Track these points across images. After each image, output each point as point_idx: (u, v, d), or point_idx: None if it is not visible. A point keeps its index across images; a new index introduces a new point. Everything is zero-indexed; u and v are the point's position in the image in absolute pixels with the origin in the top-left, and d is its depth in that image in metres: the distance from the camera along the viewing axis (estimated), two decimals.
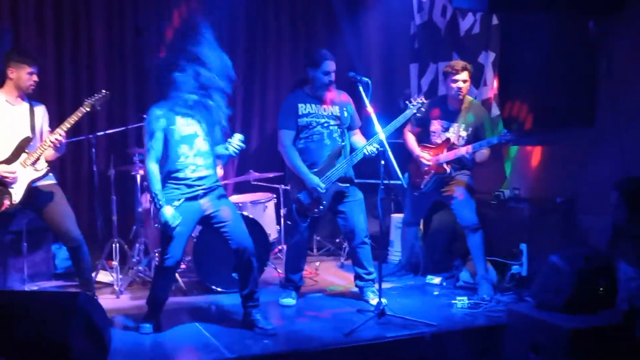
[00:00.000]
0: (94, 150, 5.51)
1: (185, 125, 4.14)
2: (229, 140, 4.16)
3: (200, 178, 4.17)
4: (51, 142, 4.33)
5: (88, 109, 4.49)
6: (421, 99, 4.80)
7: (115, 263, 5.28)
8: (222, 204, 4.26)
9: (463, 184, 5.12)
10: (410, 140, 5.33)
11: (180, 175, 4.14)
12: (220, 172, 6.00)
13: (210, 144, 4.22)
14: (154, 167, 4.11)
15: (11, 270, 5.26)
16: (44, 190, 4.46)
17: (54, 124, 5.28)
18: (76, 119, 4.43)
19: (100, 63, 6.46)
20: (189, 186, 4.15)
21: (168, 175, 4.16)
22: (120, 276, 5.24)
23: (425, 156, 5.18)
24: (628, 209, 4.06)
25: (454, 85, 5.02)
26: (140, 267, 5.46)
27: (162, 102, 4.17)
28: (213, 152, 4.25)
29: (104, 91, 4.60)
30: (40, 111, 4.58)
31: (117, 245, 5.38)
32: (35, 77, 4.44)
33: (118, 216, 5.51)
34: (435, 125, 5.21)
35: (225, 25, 6.91)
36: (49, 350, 3.15)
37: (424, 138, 5.28)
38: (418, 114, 4.81)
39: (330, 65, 4.74)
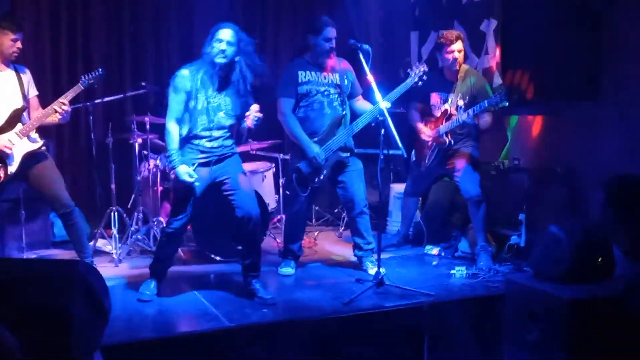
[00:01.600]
0: (91, 118, 5.46)
1: (211, 97, 4.14)
2: (247, 113, 4.15)
3: (214, 148, 4.20)
4: (60, 109, 4.30)
5: (84, 87, 4.45)
6: (423, 68, 4.74)
7: (114, 231, 5.27)
8: (234, 171, 4.27)
9: (466, 155, 5.10)
10: (413, 116, 5.31)
11: (196, 141, 4.17)
12: None
13: (232, 119, 4.23)
14: (172, 127, 4.13)
15: (9, 238, 5.26)
16: (33, 155, 4.41)
17: (50, 90, 5.25)
18: (74, 94, 4.41)
19: (96, 29, 6.39)
20: (203, 152, 4.18)
21: (185, 140, 4.18)
22: (119, 244, 5.23)
23: (425, 130, 5.16)
24: (614, 211, 4.01)
25: (448, 56, 5.00)
26: (138, 236, 5.45)
27: (193, 63, 4.16)
28: (232, 126, 4.28)
29: (99, 70, 4.53)
30: (27, 76, 4.51)
31: (116, 213, 5.37)
32: (19, 44, 4.35)
33: (116, 185, 5.48)
34: (435, 98, 5.18)
35: None
36: (49, 318, 3.12)
37: (427, 113, 5.26)
38: (420, 83, 4.75)
39: (331, 32, 4.67)
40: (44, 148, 4.50)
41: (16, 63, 4.50)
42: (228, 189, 4.25)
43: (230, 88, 4.18)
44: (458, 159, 5.11)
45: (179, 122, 4.16)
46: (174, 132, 4.13)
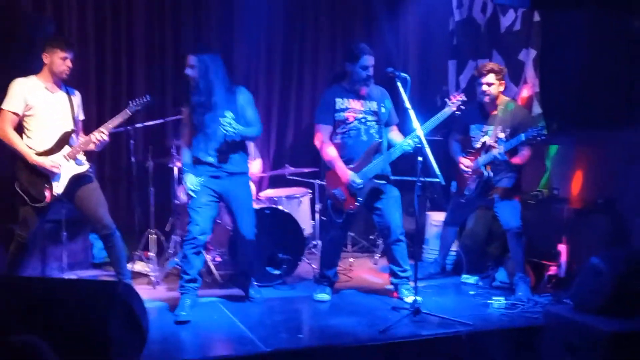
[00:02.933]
0: (132, 142, 5.58)
1: (206, 114, 4.49)
2: (220, 119, 4.42)
3: (222, 162, 4.54)
4: (97, 139, 4.44)
5: (131, 113, 4.58)
6: (460, 97, 4.75)
7: (152, 254, 5.34)
8: (239, 193, 4.62)
9: (507, 187, 5.07)
10: (454, 148, 5.34)
11: (203, 159, 4.55)
12: (258, 166, 6.07)
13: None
14: (183, 146, 4.68)
15: (50, 258, 5.36)
16: (79, 177, 4.52)
17: (93, 114, 5.37)
18: (120, 120, 4.55)
19: (139, 57, 6.52)
20: (212, 166, 4.55)
21: (195, 160, 4.59)
22: (156, 267, 5.29)
23: (465, 162, 5.15)
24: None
25: (479, 88, 5.03)
26: (176, 259, 5.50)
27: (185, 93, 4.62)
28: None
29: (147, 97, 4.68)
30: (77, 99, 4.64)
31: (154, 236, 5.44)
32: (69, 63, 4.45)
33: (155, 208, 5.57)
34: (474, 130, 5.18)
35: (263, 19, 6.94)
36: (88, 338, 3.18)
37: (467, 145, 5.25)
38: (457, 112, 4.75)
39: (369, 60, 4.71)
40: (90, 170, 4.61)
41: (67, 85, 4.61)
42: (230, 209, 4.65)
43: (219, 103, 4.49)
44: (498, 190, 5.07)
45: (189, 144, 4.62)
46: (184, 152, 4.65)
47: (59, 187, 4.41)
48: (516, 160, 5.01)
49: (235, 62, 6.81)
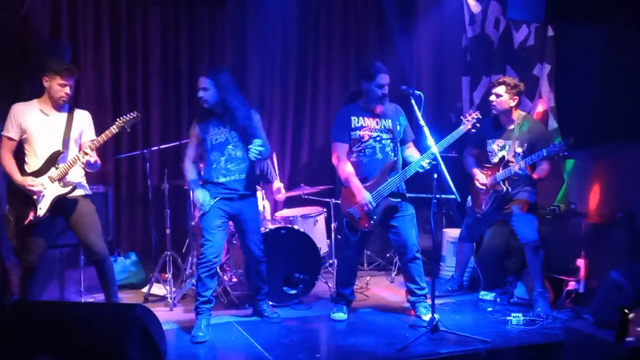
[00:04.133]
0: (148, 164, 5.62)
1: (217, 134, 4.57)
2: (249, 146, 4.44)
3: (233, 182, 4.58)
4: (81, 162, 4.39)
5: (117, 130, 4.48)
6: (476, 114, 4.75)
7: (168, 276, 5.35)
8: (250, 214, 4.68)
9: (523, 200, 5.05)
10: (469, 162, 5.32)
11: (215, 180, 4.58)
12: (278, 185, 6.09)
13: (243, 150, 4.55)
14: (187, 164, 4.69)
15: (68, 282, 5.37)
16: (71, 200, 4.49)
17: (111, 142, 5.38)
18: (105, 138, 4.45)
19: (155, 81, 6.57)
20: (224, 188, 4.58)
21: (207, 180, 4.62)
22: (173, 289, 5.30)
23: (481, 178, 5.13)
24: None
25: (491, 101, 5.04)
26: (192, 280, 5.50)
27: (199, 114, 4.70)
28: (247, 158, 4.57)
29: (134, 113, 4.56)
30: (81, 118, 4.59)
31: (171, 258, 5.46)
32: (67, 90, 4.42)
33: (171, 229, 5.58)
34: (491, 145, 5.17)
35: (277, 38, 6.98)
36: (107, 359, 3.20)
37: (483, 159, 5.24)
38: (473, 130, 4.76)
39: (384, 79, 4.72)
40: (82, 193, 4.56)
41: (75, 106, 4.64)
42: (239, 230, 4.73)
43: (231, 122, 4.56)
44: (515, 204, 5.05)
45: (196, 162, 4.71)
46: (189, 167, 4.68)
47: (42, 210, 4.37)
48: (536, 175, 5.00)
49: (249, 82, 6.85)
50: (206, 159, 4.62)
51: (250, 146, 4.44)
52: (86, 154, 4.38)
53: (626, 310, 1.83)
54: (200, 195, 4.54)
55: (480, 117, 4.75)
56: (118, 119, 4.52)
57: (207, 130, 4.59)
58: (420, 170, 4.59)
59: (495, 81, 5.15)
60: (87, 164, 4.44)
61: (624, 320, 1.79)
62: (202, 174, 4.71)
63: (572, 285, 5.07)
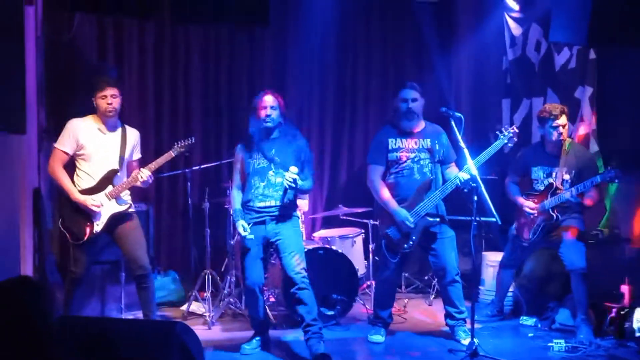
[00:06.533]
0: (189, 184, 5.69)
1: (259, 159, 4.53)
2: (284, 173, 4.39)
3: (267, 207, 4.50)
4: (140, 179, 4.52)
5: (175, 154, 4.67)
6: (512, 129, 4.70)
7: (207, 294, 5.39)
8: (286, 235, 4.52)
9: (572, 227, 4.95)
10: (513, 190, 5.24)
11: (251, 203, 4.54)
12: (304, 206, 6.09)
13: (283, 177, 4.46)
14: (234, 192, 4.67)
15: (109, 299, 5.44)
16: (119, 215, 4.59)
17: (151, 155, 5.48)
18: (164, 161, 4.65)
19: (196, 101, 6.68)
20: (257, 212, 4.51)
21: (245, 203, 4.57)
22: (212, 307, 5.34)
23: (530, 205, 5.04)
24: None
25: (554, 131, 4.91)
26: (231, 299, 5.55)
27: (244, 138, 4.70)
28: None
29: (191, 138, 4.77)
30: (132, 136, 4.71)
31: (210, 276, 5.50)
32: (109, 100, 4.48)
33: (211, 248, 5.63)
34: (537, 173, 5.09)
35: (315, 59, 7.03)
36: None
37: (527, 187, 5.17)
38: (509, 144, 4.71)
39: (407, 93, 4.74)
40: (132, 209, 4.68)
41: (126, 124, 4.74)
42: (278, 251, 4.54)
43: (283, 149, 4.53)
44: (564, 231, 4.95)
45: (240, 188, 4.64)
46: (235, 196, 4.64)
47: (99, 226, 4.49)
48: (587, 201, 4.91)
49: (288, 102, 6.89)
50: (246, 182, 4.60)
51: (285, 173, 4.40)
52: (147, 174, 4.53)
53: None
54: (240, 225, 4.47)
55: (517, 131, 4.70)
56: (176, 143, 4.71)
57: (250, 155, 4.58)
58: (459, 184, 4.53)
59: (553, 111, 4.93)
60: (145, 182, 4.56)
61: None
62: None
63: (615, 311, 4.95)
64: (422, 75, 7.11)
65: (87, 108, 4.60)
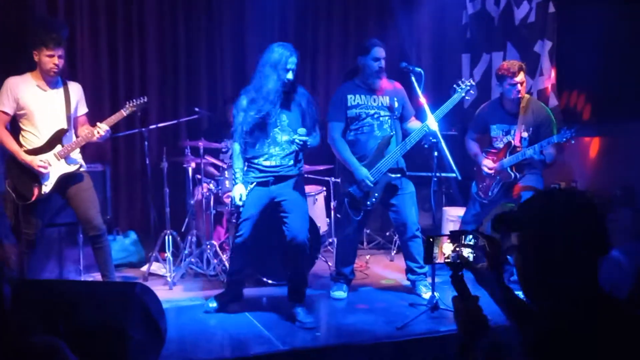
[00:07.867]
0: (146, 143, 5.58)
1: (265, 115, 4.23)
2: (294, 136, 4.19)
3: (272, 166, 4.28)
4: (97, 134, 4.38)
5: (127, 113, 4.55)
6: (470, 82, 4.65)
7: (168, 255, 5.33)
8: (291, 194, 4.32)
9: (532, 185, 4.97)
10: (472, 147, 5.21)
11: (255, 161, 4.31)
12: None
13: (289, 135, 4.27)
14: (236, 147, 4.34)
15: (67, 261, 5.36)
16: (71, 176, 4.48)
17: (106, 113, 5.33)
18: (116, 120, 4.50)
19: (152, 59, 6.53)
20: (261, 171, 4.29)
21: (247, 159, 4.34)
22: (172, 268, 5.29)
23: (488, 164, 5.03)
24: None
25: (512, 89, 4.84)
26: (192, 259, 5.51)
27: (249, 87, 4.35)
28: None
29: (144, 97, 4.65)
30: (75, 91, 4.54)
31: (170, 237, 5.44)
32: (55, 60, 4.31)
33: (170, 208, 5.56)
34: (496, 130, 5.07)
35: (275, 16, 6.91)
36: (107, 338, 3.19)
37: (486, 144, 5.17)
38: (467, 97, 4.69)
39: (380, 52, 4.67)
40: (83, 169, 4.56)
41: (67, 79, 4.57)
42: (282, 210, 4.31)
43: (289, 106, 4.31)
44: (523, 189, 4.95)
45: (241, 142, 4.30)
46: (237, 151, 4.33)
47: (47, 187, 4.38)
48: (548, 160, 4.92)
49: (248, 60, 6.79)
50: (250, 138, 4.29)
51: (294, 136, 4.18)
52: (101, 130, 4.38)
53: (431, 239, 1.95)
54: (236, 193, 4.24)
55: (473, 83, 4.67)
56: (128, 103, 4.57)
57: (253, 107, 4.25)
58: (427, 131, 4.46)
59: (511, 68, 4.82)
60: (102, 137, 4.42)
61: (429, 246, 1.95)
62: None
63: None
64: (382, 31, 7.05)
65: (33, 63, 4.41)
